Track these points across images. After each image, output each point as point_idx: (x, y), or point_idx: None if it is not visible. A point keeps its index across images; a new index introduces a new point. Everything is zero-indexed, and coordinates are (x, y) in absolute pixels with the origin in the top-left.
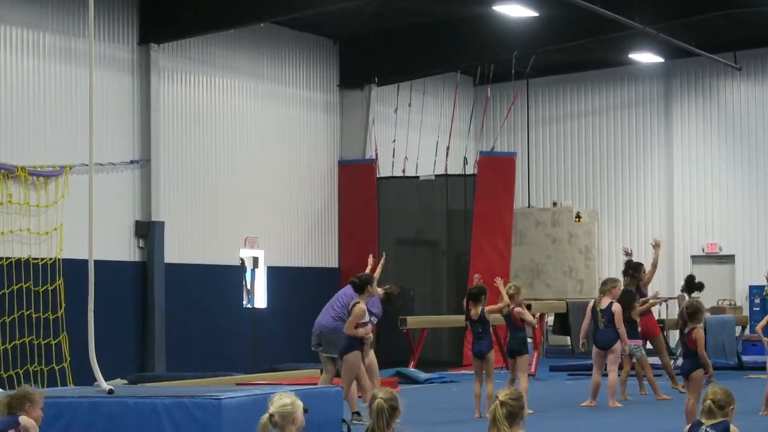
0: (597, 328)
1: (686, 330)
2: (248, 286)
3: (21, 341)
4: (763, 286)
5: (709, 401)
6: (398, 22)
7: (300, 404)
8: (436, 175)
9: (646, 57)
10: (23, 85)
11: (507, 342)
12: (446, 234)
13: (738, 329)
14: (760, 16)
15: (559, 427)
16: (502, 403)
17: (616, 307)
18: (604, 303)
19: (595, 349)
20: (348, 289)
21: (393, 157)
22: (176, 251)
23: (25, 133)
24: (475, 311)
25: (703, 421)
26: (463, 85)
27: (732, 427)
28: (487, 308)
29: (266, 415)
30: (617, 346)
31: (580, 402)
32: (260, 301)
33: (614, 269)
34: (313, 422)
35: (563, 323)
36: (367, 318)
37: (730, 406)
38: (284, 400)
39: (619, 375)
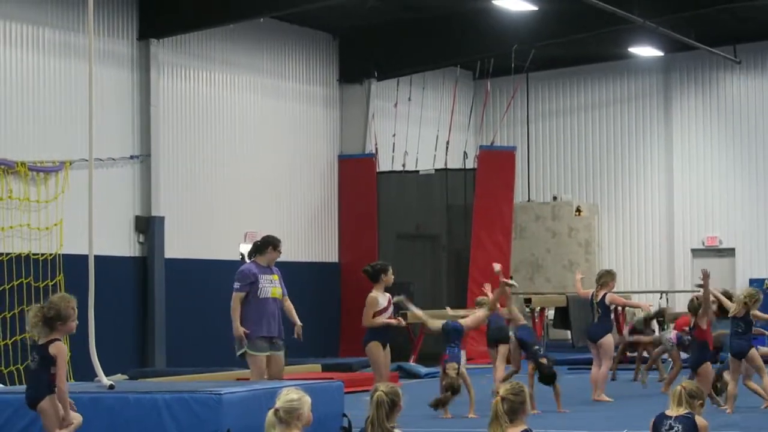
0: (591, 321)
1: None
2: None
3: (21, 337)
4: (763, 279)
5: (680, 388)
6: (398, 17)
7: (308, 401)
8: (436, 170)
9: (645, 51)
10: (23, 80)
11: (486, 330)
12: (446, 228)
13: None
14: (759, 9)
15: (559, 421)
16: (503, 399)
17: (611, 297)
18: (599, 295)
19: (590, 342)
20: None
21: (393, 151)
22: (176, 246)
23: (24, 128)
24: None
25: (669, 412)
26: (463, 79)
27: (699, 419)
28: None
29: (272, 411)
30: (604, 339)
31: (580, 396)
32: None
33: (614, 263)
34: (314, 417)
35: (563, 317)
36: (382, 305)
37: (699, 400)
38: (291, 395)
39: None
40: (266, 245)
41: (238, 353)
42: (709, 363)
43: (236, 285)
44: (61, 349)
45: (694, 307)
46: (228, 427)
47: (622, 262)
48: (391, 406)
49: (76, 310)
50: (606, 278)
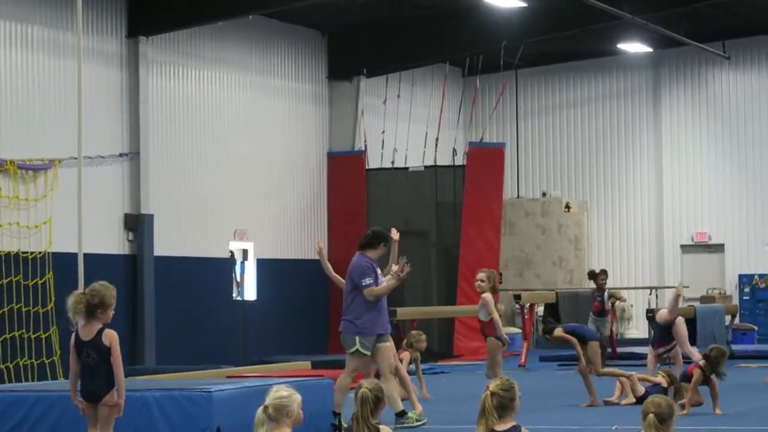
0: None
1: None
2: (238, 279)
3: (11, 335)
4: (752, 275)
5: (651, 414)
6: (387, 14)
7: (298, 398)
8: (425, 166)
9: (634, 47)
10: (12, 78)
11: None
12: (436, 225)
13: (728, 318)
14: (748, 5)
15: (549, 417)
16: (493, 394)
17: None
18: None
19: None
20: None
21: (382, 148)
22: (166, 244)
23: (14, 126)
24: None
25: None
26: (452, 76)
27: None
28: None
29: (261, 408)
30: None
31: (569, 393)
32: (250, 293)
33: (604, 259)
34: (305, 414)
35: (553, 313)
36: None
37: (672, 419)
38: (281, 392)
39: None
40: (379, 239)
41: (351, 350)
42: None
43: (368, 281)
44: (113, 337)
45: None
46: (218, 425)
47: (611, 258)
48: (375, 403)
49: (116, 301)
50: None
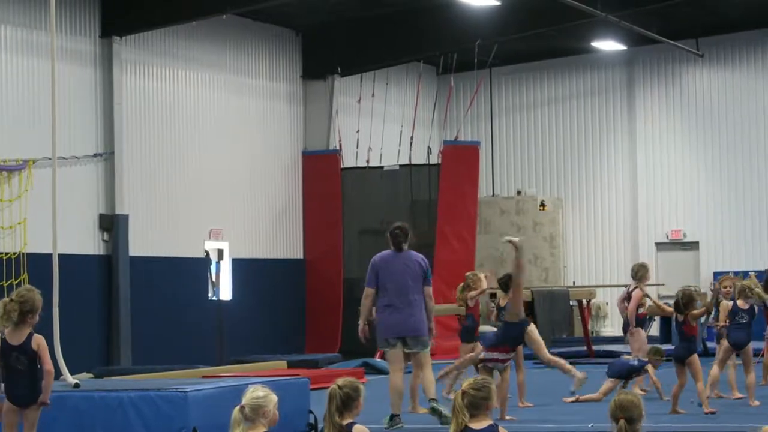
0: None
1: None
2: (213, 279)
3: None
4: (727, 273)
5: (622, 420)
6: (361, 13)
7: (274, 399)
8: (400, 165)
9: (608, 45)
10: None
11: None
12: (411, 224)
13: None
14: (721, 2)
15: (527, 415)
16: (464, 393)
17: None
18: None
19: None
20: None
21: (357, 147)
22: (141, 244)
23: None
24: (504, 299)
25: None
26: (426, 74)
27: None
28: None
29: (237, 408)
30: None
31: (544, 390)
32: (225, 293)
33: (579, 257)
34: (280, 413)
35: (529, 312)
36: None
37: (641, 418)
38: (257, 393)
39: None
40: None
41: (427, 348)
42: (696, 355)
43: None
44: (43, 341)
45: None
46: (194, 425)
47: (586, 255)
48: (344, 401)
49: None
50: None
